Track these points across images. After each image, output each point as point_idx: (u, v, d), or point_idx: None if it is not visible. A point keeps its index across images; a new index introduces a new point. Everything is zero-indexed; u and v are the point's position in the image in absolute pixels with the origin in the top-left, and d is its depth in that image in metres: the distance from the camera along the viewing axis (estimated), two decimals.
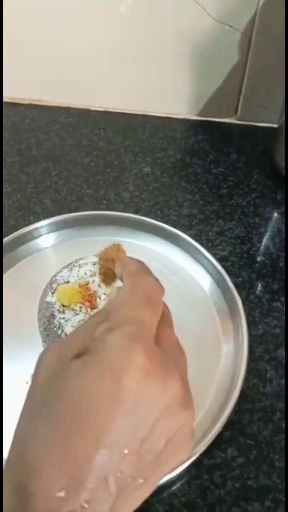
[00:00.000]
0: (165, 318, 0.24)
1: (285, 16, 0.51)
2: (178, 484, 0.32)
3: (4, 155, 0.58)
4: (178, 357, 0.22)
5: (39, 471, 0.18)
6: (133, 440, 0.18)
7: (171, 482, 0.31)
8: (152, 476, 0.19)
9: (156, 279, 0.25)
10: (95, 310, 0.35)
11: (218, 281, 0.42)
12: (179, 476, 0.31)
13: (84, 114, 0.65)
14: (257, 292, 0.44)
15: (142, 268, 0.25)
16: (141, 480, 0.19)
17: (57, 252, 0.46)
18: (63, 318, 0.34)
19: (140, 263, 0.26)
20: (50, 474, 0.17)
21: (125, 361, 0.19)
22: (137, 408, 0.18)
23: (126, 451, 0.18)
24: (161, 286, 0.24)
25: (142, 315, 0.21)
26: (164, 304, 0.25)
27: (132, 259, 0.27)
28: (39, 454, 0.18)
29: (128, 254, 0.45)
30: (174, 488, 0.32)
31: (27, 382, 0.36)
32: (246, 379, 0.36)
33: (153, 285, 0.24)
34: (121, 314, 0.21)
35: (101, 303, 0.36)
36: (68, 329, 0.34)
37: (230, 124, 0.64)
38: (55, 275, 0.38)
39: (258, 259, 0.47)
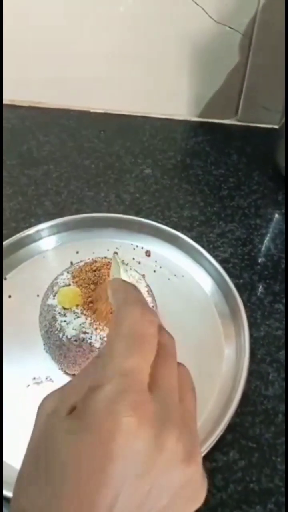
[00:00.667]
0: (163, 351, 0.21)
1: (285, 17, 0.51)
2: None
3: (4, 158, 0.58)
4: (177, 402, 0.20)
5: None
6: (128, 505, 0.17)
7: None
8: None
9: (144, 309, 0.21)
10: (97, 313, 0.35)
11: (219, 283, 0.42)
12: None
13: (84, 116, 0.65)
14: (258, 294, 0.43)
15: (129, 297, 0.22)
16: None
17: (58, 255, 0.46)
18: (64, 321, 0.34)
19: (128, 289, 0.23)
20: None
21: (112, 426, 0.17)
22: (129, 474, 0.17)
23: None
24: (152, 316, 0.21)
25: (129, 362, 0.19)
26: (164, 331, 0.22)
27: (120, 283, 0.24)
28: None
29: (129, 256, 0.46)
30: None
31: (28, 386, 0.36)
32: (248, 381, 0.36)
33: (140, 319, 0.20)
34: (106, 367, 0.19)
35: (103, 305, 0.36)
36: (70, 332, 0.34)
37: (230, 125, 0.64)
38: (56, 278, 0.38)
39: (260, 260, 0.47)
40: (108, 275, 0.37)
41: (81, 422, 0.18)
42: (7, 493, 0.30)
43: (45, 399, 0.21)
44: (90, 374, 0.20)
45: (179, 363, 0.22)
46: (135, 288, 0.24)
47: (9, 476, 0.31)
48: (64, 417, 0.19)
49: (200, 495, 0.20)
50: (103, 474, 0.17)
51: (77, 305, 0.35)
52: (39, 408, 0.21)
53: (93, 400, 0.18)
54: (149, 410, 0.18)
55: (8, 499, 0.30)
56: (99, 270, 0.38)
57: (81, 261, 0.40)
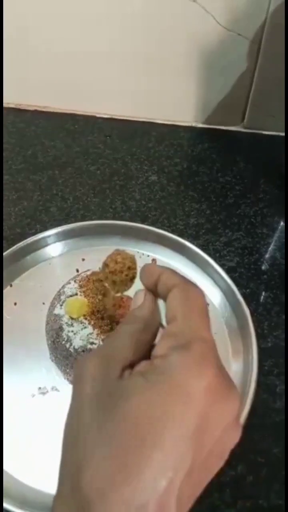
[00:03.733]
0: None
1: (285, 23, 0.51)
2: None
3: (10, 162, 0.58)
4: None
5: (104, 508, 0.16)
6: (196, 462, 0.18)
7: None
8: (200, 490, 0.19)
9: (197, 287, 0.24)
10: (104, 322, 0.35)
11: (226, 292, 0.42)
12: None
13: (90, 121, 0.65)
14: (265, 304, 0.43)
15: (185, 278, 0.24)
16: (193, 498, 0.19)
17: (64, 262, 0.46)
18: (72, 331, 0.34)
19: (174, 271, 0.25)
20: (115, 510, 0.16)
21: (196, 383, 0.18)
22: (205, 430, 0.18)
23: (188, 473, 0.18)
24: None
25: (205, 332, 0.21)
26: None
27: (164, 267, 0.25)
28: (102, 487, 0.17)
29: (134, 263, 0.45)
30: None
31: (33, 395, 0.36)
32: (255, 394, 0.35)
33: (204, 298, 0.23)
34: (185, 331, 0.21)
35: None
36: (77, 342, 0.34)
37: (237, 132, 0.64)
38: (63, 287, 0.38)
39: (266, 270, 0.46)
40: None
41: (162, 376, 0.19)
42: (8, 505, 0.30)
43: (85, 364, 0.21)
44: (131, 339, 0.21)
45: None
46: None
47: (11, 487, 0.31)
48: (124, 375, 0.20)
49: (238, 431, 0.21)
50: (183, 429, 0.17)
51: (84, 315, 0.34)
52: (81, 373, 0.20)
53: (177, 356, 0.19)
54: (224, 373, 0.20)
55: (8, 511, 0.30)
56: (104, 278, 0.37)
57: (87, 270, 0.40)
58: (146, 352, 0.22)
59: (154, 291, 0.25)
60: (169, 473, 0.17)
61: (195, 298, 0.22)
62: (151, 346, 0.22)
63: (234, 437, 0.20)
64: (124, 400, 0.18)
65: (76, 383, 0.20)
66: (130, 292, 0.30)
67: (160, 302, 0.24)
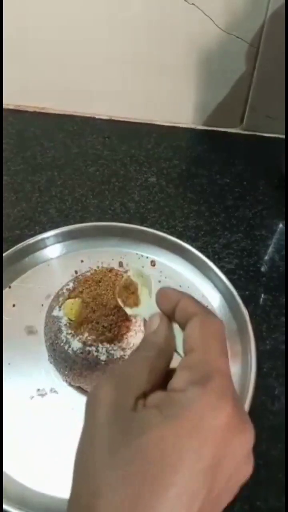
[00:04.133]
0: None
1: (285, 25, 0.51)
2: None
3: (8, 163, 0.58)
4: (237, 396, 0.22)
5: None
6: (209, 498, 0.18)
7: None
8: None
9: (215, 315, 0.23)
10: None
11: (225, 295, 0.42)
12: None
13: (89, 122, 0.65)
14: (264, 306, 0.43)
15: (205, 307, 0.23)
16: None
17: (62, 263, 0.46)
18: (70, 333, 0.34)
19: (194, 299, 0.24)
20: None
21: (214, 421, 0.18)
22: (219, 466, 0.18)
23: (200, 510, 0.18)
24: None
25: (224, 365, 0.21)
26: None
27: (182, 293, 0.25)
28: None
29: (134, 266, 0.45)
30: None
31: (32, 397, 0.36)
32: (253, 396, 0.35)
33: (224, 329, 0.22)
34: (203, 364, 0.20)
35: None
36: (75, 344, 0.33)
37: (236, 134, 0.64)
38: (61, 289, 0.38)
39: (265, 272, 0.46)
40: (112, 285, 0.36)
41: (180, 411, 0.18)
42: (8, 507, 0.30)
43: (99, 390, 0.20)
44: (156, 365, 0.21)
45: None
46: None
47: (10, 489, 0.31)
48: (139, 406, 0.19)
49: (251, 465, 0.21)
50: (197, 465, 0.17)
51: (84, 318, 0.34)
52: (95, 399, 0.20)
53: (196, 390, 0.19)
54: (240, 408, 0.20)
55: None
56: (102, 280, 0.37)
57: (86, 271, 0.40)
58: (160, 379, 0.22)
59: (170, 316, 0.24)
60: (182, 510, 0.17)
61: (215, 330, 0.22)
62: (165, 373, 0.22)
63: (246, 472, 0.20)
64: (140, 433, 0.18)
65: (89, 409, 0.20)
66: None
67: (176, 327, 0.24)
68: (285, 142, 0.57)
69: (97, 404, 0.20)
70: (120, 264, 0.45)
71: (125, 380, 0.21)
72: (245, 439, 0.19)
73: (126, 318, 0.35)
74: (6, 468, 0.32)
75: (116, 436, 0.18)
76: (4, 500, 0.30)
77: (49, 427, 0.34)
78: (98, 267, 0.39)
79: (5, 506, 0.30)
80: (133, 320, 0.35)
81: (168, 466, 0.17)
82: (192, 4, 0.53)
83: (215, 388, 0.19)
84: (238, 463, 0.19)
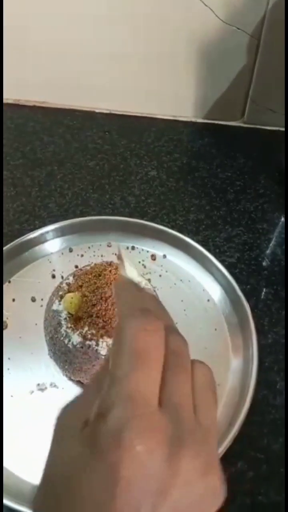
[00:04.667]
0: (173, 359, 0.19)
1: (284, 20, 0.50)
2: None
3: (8, 158, 0.58)
4: (191, 415, 0.19)
5: None
6: None
7: None
8: None
9: (147, 316, 0.19)
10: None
11: (227, 289, 0.42)
12: None
13: (89, 116, 0.65)
14: (266, 300, 0.43)
15: (129, 302, 0.21)
16: None
17: (62, 258, 0.45)
18: (70, 327, 0.34)
19: (128, 293, 0.22)
20: None
21: (121, 456, 0.16)
22: (144, 500, 0.16)
23: None
24: (156, 323, 0.19)
25: (133, 383, 0.17)
26: (174, 334, 0.20)
27: (121, 286, 0.22)
28: None
29: (135, 260, 0.45)
30: None
31: (32, 392, 0.36)
32: (255, 390, 0.35)
33: (141, 330, 0.19)
34: (109, 389, 0.18)
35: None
36: (75, 338, 0.33)
37: (236, 127, 0.63)
38: (61, 283, 0.38)
39: (266, 266, 0.46)
40: (113, 279, 0.36)
41: (92, 448, 0.17)
42: (8, 502, 0.29)
43: (62, 411, 0.20)
44: (96, 392, 0.19)
45: (195, 361, 0.21)
46: (139, 289, 0.23)
47: (10, 484, 0.31)
48: (78, 436, 0.18)
49: (219, 499, 0.19)
50: (113, 504, 0.16)
51: (84, 312, 0.34)
52: (56, 422, 0.20)
53: (100, 428, 0.17)
54: (159, 433, 0.17)
55: (8, 508, 0.30)
56: (102, 274, 0.37)
57: (86, 266, 0.39)
58: None
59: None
60: None
61: (128, 337, 0.19)
62: None
63: (195, 493, 0.18)
64: (69, 476, 0.17)
65: (54, 430, 0.20)
66: None
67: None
68: (285, 135, 0.56)
69: (56, 426, 0.19)
70: (119, 258, 0.45)
71: (81, 402, 0.20)
72: (166, 464, 0.17)
73: None
74: (5, 463, 0.32)
75: (57, 475, 0.18)
76: (4, 495, 0.30)
77: (49, 421, 0.34)
78: (97, 261, 0.39)
79: (4, 501, 0.29)
80: None
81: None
82: None
83: (114, 420, 0.17)
84: (176, 485, 0.17)
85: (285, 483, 0.31)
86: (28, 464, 0.32)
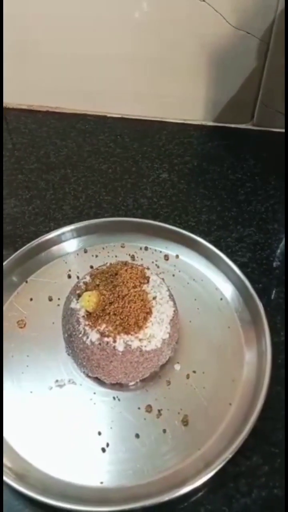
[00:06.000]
0: None
1: (285, 20, 0.51)
2: (203, 492, 0.32)
3: (22, 162, 0.59)
4: None
5: None
6: None
7: (196, 490, 0.31)
8: None
9: None
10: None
11: (239, 287, 0.42)
12: (204, 484, 0.31)
13: (100, 121, 0.66)
14: (277, 299, 0.43)
15: None
16: None
17: (78, 258, 0.46)
18: (88, 324, 0.35)
19: None
20: None
21: None
22: None
23: None
24: None
25: None
26: None
27: None
28: None
29: (148, 260, 0.46)
30: (199, 496, 0.31)
31: (51, 388, 0.37)
32: (269, 386, 0.35)
33: None
34: None
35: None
36: (93, 335, 0.34)
37: (246, 130, 0.64)
38: (78, 282, 0.39)
39: (277, 265, 0.47)
40: (129, 278, 0.37)
41: None
42: (30, 493, 0.30)
43: None
44: None
45: None
46: None
47: (32, 477, 0.32)
48: None
49: None
50: None
51: (102, 309, 0.35)
52: None
53: None
54: None
55: (30, 499, 0.30)
56: (119, 273, 0.38)
57: (101, 265, 0.40)
58: None
59: None
60: None
61: None
62: None
63: None
64: None
65: None
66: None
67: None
68: (285, 136, 0.57)
69: None
70: (133, 258, 0.46)
71: None
72: None
73: (143, 309, 0.35)
74: (27, 457, 0.33)
75: None
76: (26, 487, 0.30)
77: (67, 416, 0.35)
78: (112, 261, 0.40)
79: (26, 492, 0.30)
80: (150, 311, 0.36)
81: None
82: (202, 0, 0.53)
83: None
84: None
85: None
86: (47, 457, 0.33)
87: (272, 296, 0.44)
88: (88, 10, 0.57)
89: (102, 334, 0.34)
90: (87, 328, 0.35)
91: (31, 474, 0.32)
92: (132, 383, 0.36)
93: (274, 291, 0.44)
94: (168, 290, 0.39)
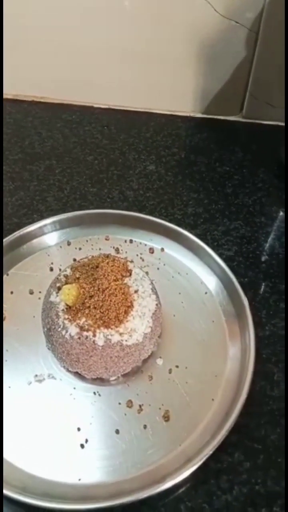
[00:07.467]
0: None
1: (285, 13, 0.50)
2: (184, 488, 0.31)
3: (7, 152, 0.58)
4: None
5: None
6: None
7: (177, 487, 0.31)
8: None
9: None
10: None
11: (224, 281, 0.42)
12: (185, 481, 0.30)
13: (87, 111, 0.65)
14: (263, 293, 0.43)
15: None
16: None
17: (60, 251, 0.45)
18: (67, 318, 0.34)
19: None
20: None
21: None
22: None
23: None
24: None
25: None
26: None
27: None
28: None
29: (133, 253, 0.45)
30: (180, 492, 0.31)
31: (30, 383, 0.36)
32: (252, 381, 0.35)
33: None
34: None
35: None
36: (73, 329, 0.33)
37: (235, 122, 0.63)
38: (59, 275, 0.38)
39: (264, 259, 0.46)
40: (110, 270, 0.36)
41: None
42: (7, 492, 0.29)
43: None
44: None
45: None
46: None
47: (10, 475, 0.31)
48: None
49: None
50: None
51: (82, 303, 0.34)
52: None
53: None
54: None
55: (8, 499, 0.30)
56: (100, 266, 0.37)
57: (84, 258, 0.39)
58: None
59: None
60: None
61: None
62: None
63: None
64: None
65: None
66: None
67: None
68: (285, 129, 0.56)
69: None
70: (117, 250, 0.45)
71: None
72: None
73: (124, 303, 0.34)
74: (5, 454, 0.32)
75: None
76: (5, 486, 0.30)
77: (47, 412, 0.34)
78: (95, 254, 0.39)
79: (5, 492, 0.29)
80: (132, 304, 0.35)
81: None
82: None
83: None
84: None
85: (285, 473, 0.31)
86: (27, 454, 0.32)
87: (258, 291, 0.43)
88: (75, 1, 0.56)
89: (82, 328, 0.33)
90: (66, 322, 0.34)
91: (10, 473, 0.31)
92: (113, 378, 0.36)
93: (260, 285, 0.44)
94: (152, 283, 0.38)
